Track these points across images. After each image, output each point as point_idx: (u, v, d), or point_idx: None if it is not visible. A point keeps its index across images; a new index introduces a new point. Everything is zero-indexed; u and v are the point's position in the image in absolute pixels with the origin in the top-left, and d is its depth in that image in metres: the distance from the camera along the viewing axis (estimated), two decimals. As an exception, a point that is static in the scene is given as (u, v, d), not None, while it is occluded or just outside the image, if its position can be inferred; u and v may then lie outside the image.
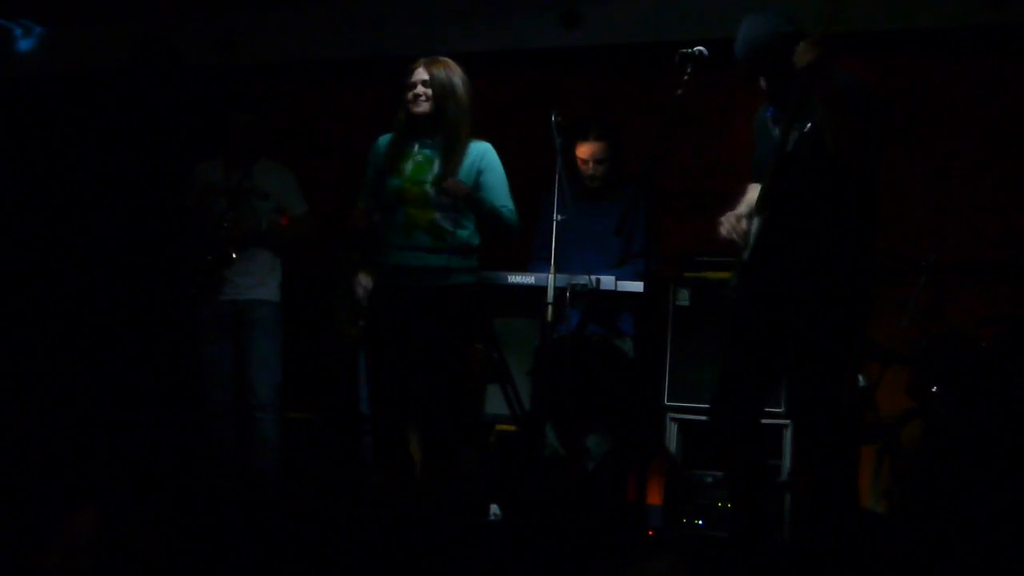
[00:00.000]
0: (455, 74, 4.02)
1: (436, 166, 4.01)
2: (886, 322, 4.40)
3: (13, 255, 6.26)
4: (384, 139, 4.14)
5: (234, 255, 4.68)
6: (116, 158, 6.23)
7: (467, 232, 4.04)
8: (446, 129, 4.01)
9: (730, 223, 3.57)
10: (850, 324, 3.48)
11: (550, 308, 4.02)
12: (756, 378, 3.55)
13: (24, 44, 6.42)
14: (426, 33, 5.77)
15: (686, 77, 3.72)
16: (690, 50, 3.70)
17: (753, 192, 3.65)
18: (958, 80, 5.21)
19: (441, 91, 3.98)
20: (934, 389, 4.18)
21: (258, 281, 4.78)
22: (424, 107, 3.99)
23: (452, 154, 4.00)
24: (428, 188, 3.99)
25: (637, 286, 4.23)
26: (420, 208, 4.00)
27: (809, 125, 3.39)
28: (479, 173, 4.03)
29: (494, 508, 4.70)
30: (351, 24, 5.97)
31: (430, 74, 3.99)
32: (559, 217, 4.05)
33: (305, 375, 5.18)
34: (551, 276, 4.02)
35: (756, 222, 3.57)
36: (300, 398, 5.14)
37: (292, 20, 6.04)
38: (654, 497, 4.75)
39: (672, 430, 4.72)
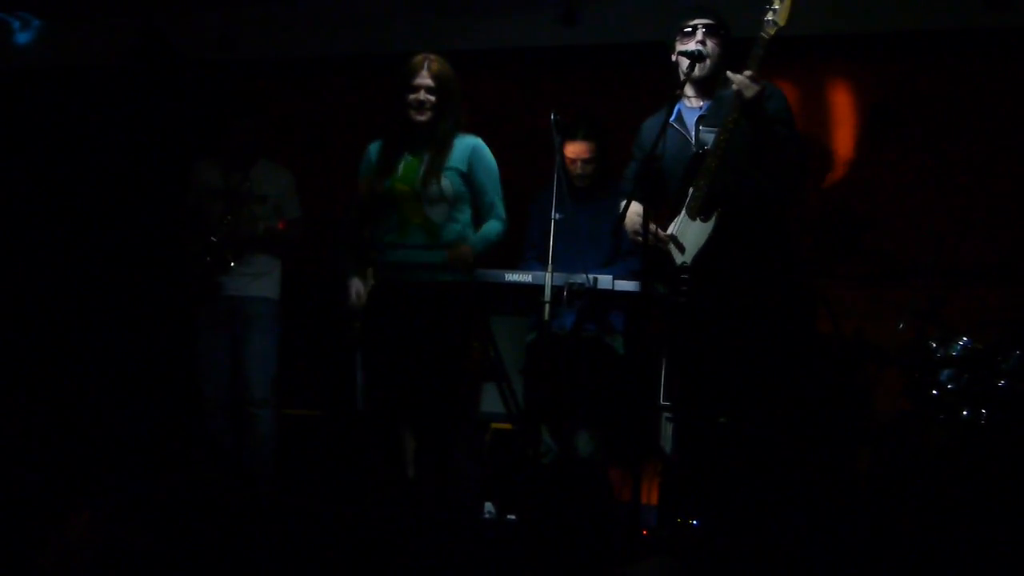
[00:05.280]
0: (452, 76, 3.97)
1: (424, 163, 3.99)
2: (883, 324, 4.40)
3: (7, 251, 6.24)
4: (374, 146, 4.13)
5: (232, 263, 4.66)
6: (113, 153, 6.22)
7: (459, 226, 4.03)
8: (439, 136, 3.98)
9: (653, 233, 3.65)
10: (809, 317, 3.64)
11: (547, 307, 4.01)
12: (716, 378, 3.70)
13: (22, 37, 6.40)
14: (425, 30, 5.76)
15: (684, 76, 3.72)
16: (689, 48, 3.70)
17: (637, 207, 3.73)
18: (956, 82, 5.20)
19: (444, 99, 3.94)
20: (932, 392, 4.17)
21: (257, 278, 4.76)
22: (426, 116, 3.95)
23: (439, 156, 3.97)
24: (418, 186, 3.98)
25: (633, 285, 4.22)
26: (412, 205, 3.99)
27: (732, 125, 3.54)
28: (471, 170, 4.02)
29: (489, 506, 4.69)
30: (351, 21, 5.96)
31: (435, 79, 3.93)
32: (558, 215, 4.05)
33: (303, 372, 5.17)
34: (548, 275, 4.02)
35: (679, 225, 3.63)
36: (298, 395, 5.12)
37: (290, 16, 6.03)
38: (648, 497, 4.74)
39: (667, 430, 4.71)
